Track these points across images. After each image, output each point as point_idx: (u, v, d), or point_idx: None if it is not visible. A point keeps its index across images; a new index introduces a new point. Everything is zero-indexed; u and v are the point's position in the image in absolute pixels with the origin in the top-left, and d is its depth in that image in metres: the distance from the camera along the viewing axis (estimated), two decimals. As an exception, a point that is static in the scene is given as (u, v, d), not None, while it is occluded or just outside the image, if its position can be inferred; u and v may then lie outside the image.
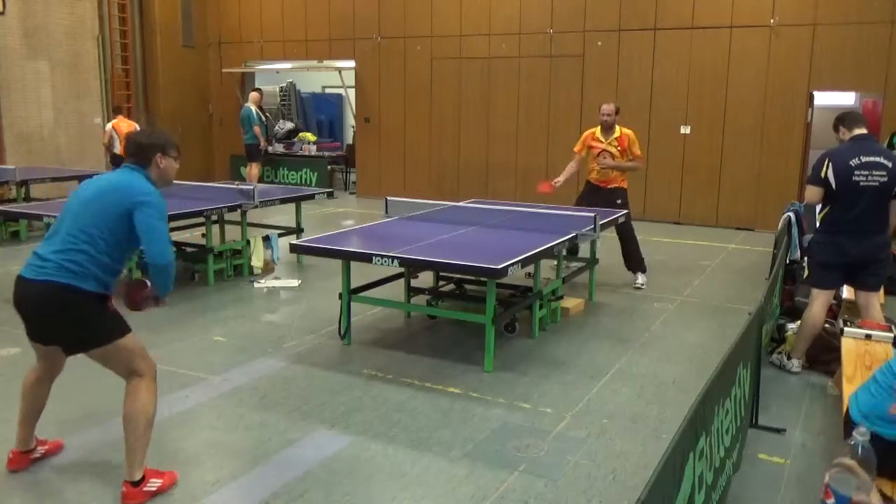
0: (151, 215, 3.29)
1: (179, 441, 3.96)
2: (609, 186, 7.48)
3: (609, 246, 7.62)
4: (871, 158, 4.60)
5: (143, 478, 3.32)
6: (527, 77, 12.19)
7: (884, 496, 2.47)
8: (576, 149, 7.71)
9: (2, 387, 4.64)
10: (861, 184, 4.59)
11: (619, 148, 7.35)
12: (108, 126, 11.82)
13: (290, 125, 15.72)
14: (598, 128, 7.48)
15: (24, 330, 3.34)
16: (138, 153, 3.42)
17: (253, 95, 12.98)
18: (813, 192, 4.77)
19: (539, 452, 3.82)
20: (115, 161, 12.05)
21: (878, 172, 4.59)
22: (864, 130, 4.74)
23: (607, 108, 7.44)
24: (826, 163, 4.67)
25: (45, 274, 3.16)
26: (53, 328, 3.28)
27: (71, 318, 3.22)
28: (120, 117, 11.59)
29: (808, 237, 6.09)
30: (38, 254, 3.25)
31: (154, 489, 3.34)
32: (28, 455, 3.57)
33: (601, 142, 7.42)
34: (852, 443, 1.88)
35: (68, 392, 4.56)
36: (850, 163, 4.61)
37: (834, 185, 4.64)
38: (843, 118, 4.85)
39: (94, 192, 3.34)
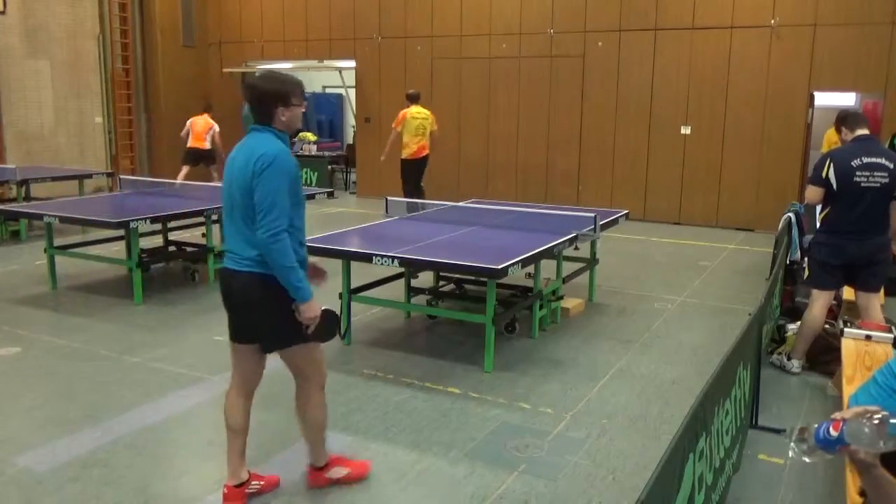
0: (269, 180, 2.90)
1: (180, 441, 3.96)
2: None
3: (609, 246, 7.62)
4: (873, 159, 4.60)
5: (328, 464, 3.41)
6: (527, 77, 12.19)
7: None
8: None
9: (3, 386, 4.64)
10: (862, 184, 4.59)
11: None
12: (188, 122, 12.54)
13: (290, 125, 15.70)
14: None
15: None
16: (258, 108, 3.05)
17: None
18: (814, 193, 4.76)
19: (539, 452, 3.82)
20: (188, 155, 12.53)
21: (879, 173, 4.59)
22: (865, 131, 4.74)
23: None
24: (827, 163, 4.67)
25: (247, 266, 3.01)
26: (255, 320, 3.10)
27: (259, 311, 3.06)
28: (206, 115, 12.54)
29: (808, 238, 6.09)
30: (229, 247, 3.11)
31: (339, 476, 3.42)
32: (242, 489, 3.26)
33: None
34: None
35: (69, 392, 4.57)
36: (852, 163, 4.61)
37: (835, 186, 4.64)
38: (846, 119, 4.84)
39: (230, 172, 3.07)
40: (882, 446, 1.79)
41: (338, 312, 3.23)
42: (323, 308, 3.07)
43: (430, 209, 7.08)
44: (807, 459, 1.94)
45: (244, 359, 3.23)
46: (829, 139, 9.46)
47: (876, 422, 1.78)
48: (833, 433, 1.85)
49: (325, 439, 3.41)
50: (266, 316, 3.06)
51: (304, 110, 3.14)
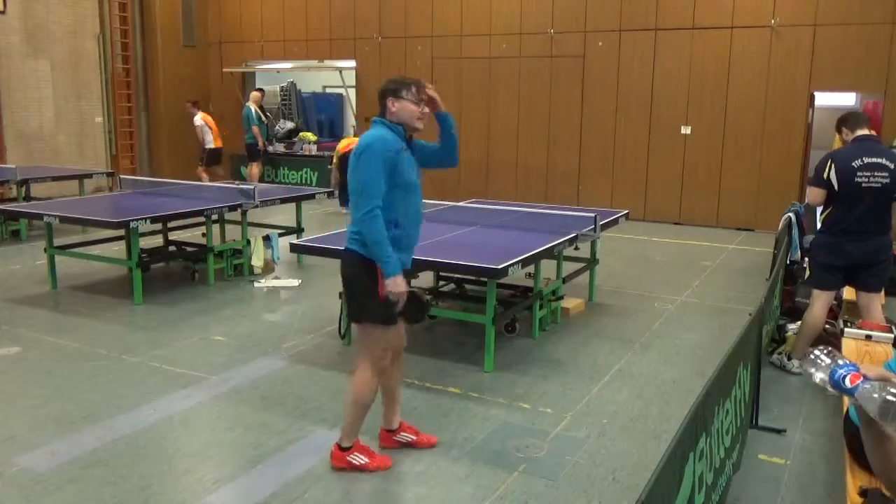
0: (360, 167, 3.26)
1: (179, 441, 3.96)
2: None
3: (610, 246, 7.62)
4: (874, 160, 4.60)
5: (351, 447, 3.56)
6: (527, 77, 12.19)
7: (885, 498, 2.47)
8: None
9: (3, 386, 4.64)
10: (863, 185, 4.59)
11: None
12: (198, 121, 12.48)
13: (290, 125, 15.72)
14: None
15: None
16: (379, 103, 3.47)
17: (254, 95, 12.99)
18: (816, 194, 4.76)
19: (539, 452, 3.82)
20: (210, 156, 12.67)
21: (880, 174, 4.59)
22: (866, 131, 4.74)
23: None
24: (829, 164, 4.67)
25: (349, 243, 3.43)
26: (347, 292, 3.53)
27: (347, 283, 3.48)
28: (202, 113, 12.66)
29: (808, 238, 6.09)
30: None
31: (357, 463, 3.55)
32: (392, 434, 3.81)
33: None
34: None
35: (69, 392, 4.57)
36: (853, 164, 4.60)
37: (836, 187, 4.64)
38: (846, 119, 4.84)
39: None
40: (880, 418, 1.82)
41: (425, 298, 3.54)
42: (411, 289, 3.41)
43: (430, 209, 7.07)
44: (815, 380, 2.02)
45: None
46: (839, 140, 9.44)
47: (887, 396, 1.81)
48: (848, 384, 1.90)
49: (356, 422, 3.54)
50: (350, 287, 3.48)
51: (417, 107, 3.41)
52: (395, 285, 3.29)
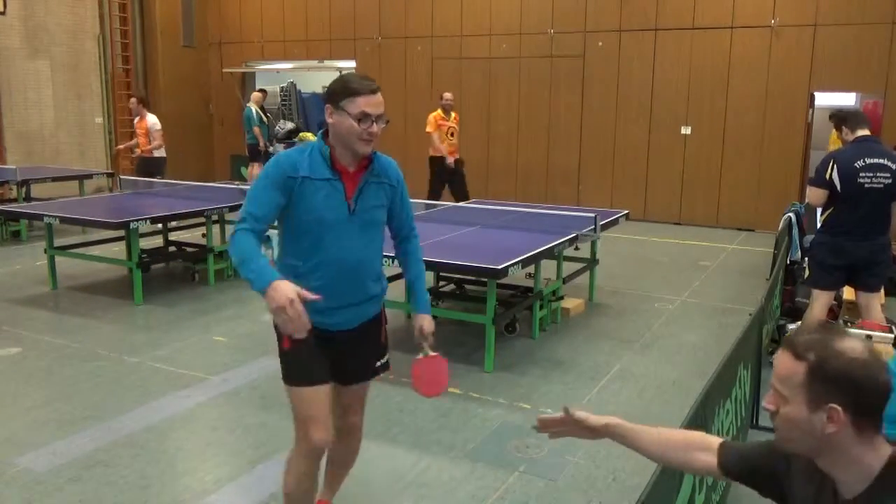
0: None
1: (180, 441, 3.96)
2: (457, 156, 10.02)
3: (610, 246, 7.62)
4: (876, 160, 4.61)
5: None
6: (527, 77, 12.18)
7: None
8: (429, 129, 9.87)
9: (3, 386, 4.64)
10: (866, 185, 4.60)
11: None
12: (157, 124, 10.22)
13: (290, 125, 15.70)
14: (441, 110, 9.93)
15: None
16: None
17: (255, 96, 12.99)
18: (817, 195, 4.76)
19: (539, 452, 3.82)
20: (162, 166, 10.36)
21: (882, 174, 4.60)
22: (867, 132, 4.75)
23: (450, 95, 10.12)
24: (831, 164, 4.68)
25: None
26: None
27: None
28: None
29: (808, 238, 6.09)
30: None
31: None
32: None
33: (446, 120, 9.91)
34: None
35: (69, 392, 4.57)
36: (856, 164, 4.61)
37: (839, 187, 4.64)
38: (847, 118, 4.84)
39: None
40: None
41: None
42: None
43: (430, 209, 7.07)
44: None
45: None
46: (835, 138, 9.44)
47: None
48: None
49: None
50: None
51: (358, 125, 2.51)
52: (272, 297, 2.24)
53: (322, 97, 2.45)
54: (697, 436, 1.91)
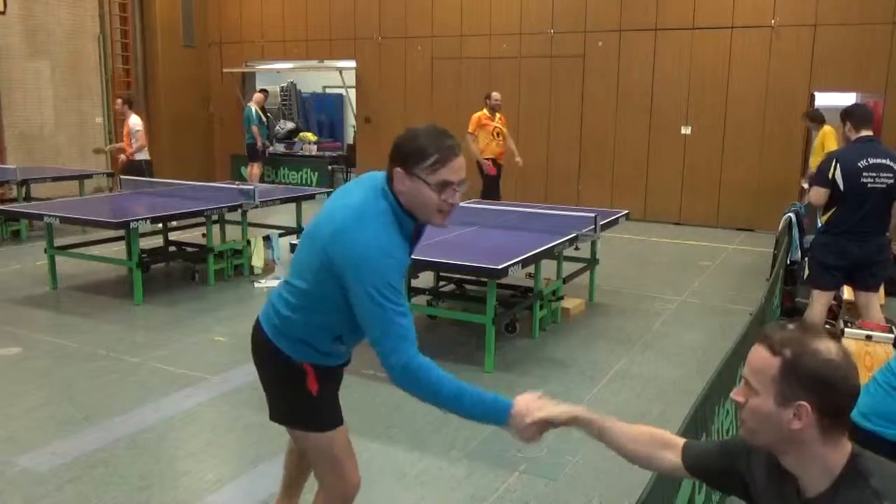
0: (369, 286, 2.08)
1: (180, 441, 3.96)
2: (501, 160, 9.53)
3: (610, 246, 7.62)
4: (878, 160, 4.63)
5: None
6: (527, 77, 12.18)
7: None
8: (470, 130, 9.35)
9: (3, 386, 4.64)
10: (869, 185, 4.62)
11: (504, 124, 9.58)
12: (139, 124, 9.85)
13: (290, 125, 15.73)
14: (487, 110, 9.47)
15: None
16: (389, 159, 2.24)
17: (256, 96, 13.00)
18: (820, 195, 4.76)
19: (539, 452, 3.82)
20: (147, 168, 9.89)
21: (885, 174, 4.62)
22: (870, 132, 4.77)
23: (498, 95, 9.64)
24: (833, 164, 4.68)
25: (263, 315, 2.46)
26: (260, 379, 2.53)
27: (264, 376, 2.48)
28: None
29: (808, 238, 6.09)
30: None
31: None
32: None
33: (491, 120, 9.44)
34: None
35: (69, 392, 4.57)
36: (859, 164, 4.62)
37: (842, 187, 4.65)
38: (852, 114, 4.84)
39: (316, 220, 2.30)
40: None
41: None
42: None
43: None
44: None
45: None
46: (825, 136, 9.50)
47: None
48: None
49: None
50: (268, 383, 2.56)
51: (437, 195, 2.15)
52: (523, 427, 2.04)
53: (390, 156, 2.19)
54: (663, 434, 1.91)
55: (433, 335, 5.82)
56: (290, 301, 2.32)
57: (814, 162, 9.56)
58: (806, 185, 9.52)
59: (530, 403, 2.04)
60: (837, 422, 1.49)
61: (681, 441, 1.86)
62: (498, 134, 9.42)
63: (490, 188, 9.44)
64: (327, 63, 14.26)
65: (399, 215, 2.18)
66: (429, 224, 2.25)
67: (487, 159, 9.40)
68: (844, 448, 1.51)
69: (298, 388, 2.36)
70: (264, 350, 2.42)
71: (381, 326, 2.08)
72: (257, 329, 2.46)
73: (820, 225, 5.04)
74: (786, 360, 1.49)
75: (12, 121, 12.25)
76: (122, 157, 9.99)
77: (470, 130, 9.32)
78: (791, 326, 1.54)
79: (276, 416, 2.50)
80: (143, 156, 9.86)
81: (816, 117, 9.56)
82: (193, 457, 3.78)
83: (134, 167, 9.67)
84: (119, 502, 3.30)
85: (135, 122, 9.79)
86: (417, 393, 2.14)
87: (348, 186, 2.34)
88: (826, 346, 1.48)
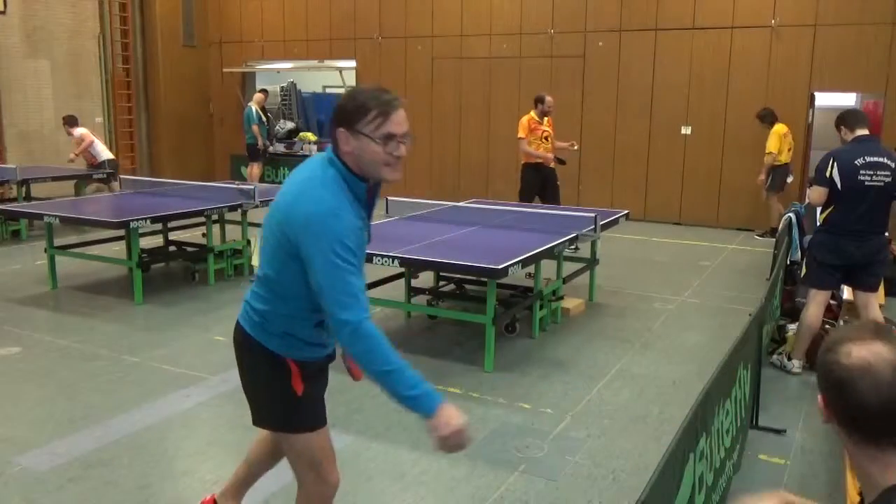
0: (320, 249, 2.08)
1: (180, 441, 3.96)
2: (550, 165, 8.98)
3: (610, 246, 7.62)
4: (875, 158, 4.63)
5: None
6: (527, 77, 12.17)
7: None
8: (521, 135, 8.88)
9: (3, 386, 4.64)
10: (866, 183, 4.61)
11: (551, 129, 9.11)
12: (86, 135, 10.73)
13: (290, 125, 15.72)
14: (536, 114, 8.96)
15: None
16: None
17: (257, 96, 13.01)
18: (818, 194, 4.76)
19: (539, 452, 3.82)
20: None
21: (882, 172, 4.61)
22: (865, 131, 4.76)
23: (552, 99, 9.12)
24: (831, 163, 4.68)
25: (242, 316, 2.48)
26: (242, 382, 2.53)
27: (247, 377, 2.49)
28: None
29: (808, 238, 6.09)
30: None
31: None
32: None
33: (540, 124, 8.94)
34: None
35: (69, 392, 4.57)
36: (856, 162, 4.62)
37: (840, 186, 4.65)
38: (845, 118, 4.85)
39: (274, 204, 2.29)
40: None
41: None
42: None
43: (429, 209, 7.07)
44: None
45: None
46: (777, 133, 9.68)
47: None
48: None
49: None
50: (249, 379, 2.61)
51: (382, 148, 2.16)
52: (449, 426, 2.30)
53: (332, 120, 2.20)
54: None
55: (433, 335, 5.82)
56: (261, 294, 2.34)
57: (765, 160, 9.77)
58: (762, 177, 9.74)
59: (455, 413, 2.17)
60: (869, 437, 1.38)
61: None
62: (547, 138, 9.01)
63: (528, 191, 8.96)
64: (327, 63, 14.26)
65: (349, 179, 2.19)
66: (380, 179, 2.25)
67: (534, 163, 8.92)
68: (892, 468, 1.38)
69: (282, 388, 2.36)
70: (246, 348, 2.44)
71: (333, 283, 2.09)
72: (238, 329, 2.48)
73: (818, 224, 5.04)
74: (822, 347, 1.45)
75: (12, 120, 12.25)
76: (72, 157, 10.99)
77: (522, 135, 8.86)
78: (868, 325, 1.45)
79: (258, 419, 2.51)
80: (107, 155, 11.04)
81: (766, 117, 9.77)
82: (193, 457, 3.78)
83: (99, 167, 10.86)
84: (119, 502, 3.30)
85: (78, 133, 10.84)
86: (359, 354, 2.16)
87: (298, 167, 2.33)
88: (867, 349, 1.36)
